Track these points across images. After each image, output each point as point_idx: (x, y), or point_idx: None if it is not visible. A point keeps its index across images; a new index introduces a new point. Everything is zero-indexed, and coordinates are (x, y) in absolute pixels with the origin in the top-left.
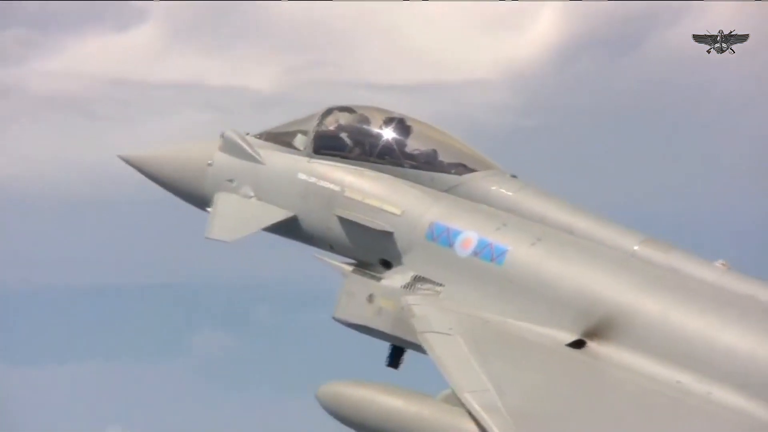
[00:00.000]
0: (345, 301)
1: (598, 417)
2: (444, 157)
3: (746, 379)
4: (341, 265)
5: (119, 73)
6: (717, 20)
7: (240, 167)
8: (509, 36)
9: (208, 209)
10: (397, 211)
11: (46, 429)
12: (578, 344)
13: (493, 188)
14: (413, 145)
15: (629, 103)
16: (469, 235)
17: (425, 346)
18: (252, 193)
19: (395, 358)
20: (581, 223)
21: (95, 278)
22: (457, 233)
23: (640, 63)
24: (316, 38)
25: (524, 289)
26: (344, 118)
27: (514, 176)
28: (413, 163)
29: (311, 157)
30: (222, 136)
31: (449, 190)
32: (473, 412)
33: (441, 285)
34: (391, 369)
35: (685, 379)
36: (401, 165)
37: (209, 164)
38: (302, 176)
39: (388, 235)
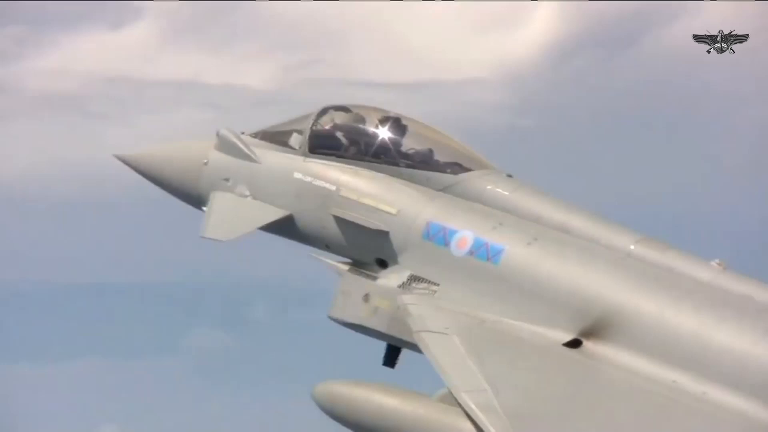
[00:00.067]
0: (341, 300)
1: (594, 416)
2: (440, 157)
3: (742, 378)
4: (337, 264)
5: (115, 70)
6: (713, 19)
7: (235, 166)
8: (505, 35)
9: (204, 208)
10: (393, 211)
11: (42, 427)
12: (574, 344)
13: (489, 187)
14: (409, 144)
15: (625, 102)
16: (465, 234)
17: (421, 346)
18: (248, 192)
19: (391, 357)
20: (577, 222)
21: (91, 276)
22: (453, 232)
23: (635, 62)
24: (313, 37)
25: (520, 289)
26: (340, 118)
27: (509, 176)
28: (409, 162)
29: (307, 156)
30: (217, 134)
31: (445, 189)
32: (470, 412)
33: (437, 284)
34: (387, 368)
35: (681, 378)
36: (397, 164)
37: (205, 163)
38: (298, 175)
39: (383, 235)
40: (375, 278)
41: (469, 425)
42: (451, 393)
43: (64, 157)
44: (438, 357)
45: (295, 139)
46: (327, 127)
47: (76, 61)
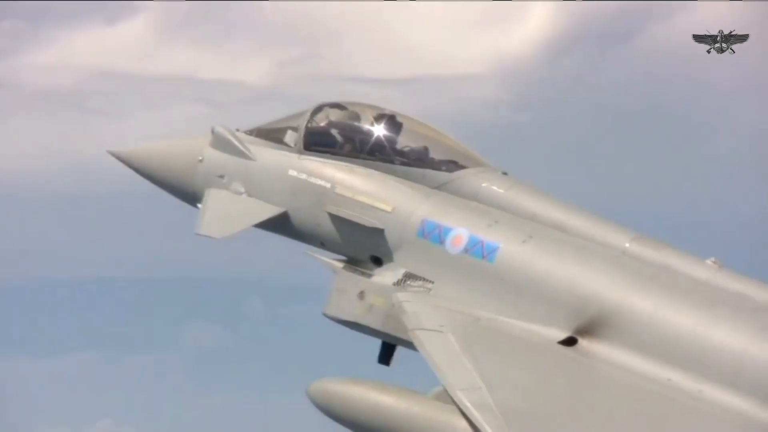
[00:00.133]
0: (336, 297)
1: (589, 415)
2: (435, 154)
3: (737, 377)
4: (332, 261)
5: (111, 66)
6: (709, 16)
7: (230, 163)
8: (501, 31)
9: (199, 205)
10: (388, 208)
11: (38, 422)
12: (570, 342)
13: (484, 185)
14: (404, 141)
15: (621, 98)
16: (460, 232)
17: (416, 344)
18: (242, 189)
19: (386, 354)
20: (573, 220)
21: (86, 271)
22: (448, 230)
23: (631, 58)
24: (308, 33)
25: (515, 287)
26: (335, 115)
27: (505, 173)
28: (404, 159)
29: (302, 153)
30: (212, 131)
31: (440, 187)
32: (465, 410)
33: (432, 282)
34: (382, 366)
35: (677, 376)
36: (392, 162)
37: (200, 160)
38: (293, 173)
39: (378, 232)
40: (370, 276)
41: (464, 423)
42: (446, 391)
43: (60, 153)
44: (433, 355)
45: (290, 137)
46: (322, 125)
47: (72, 57)
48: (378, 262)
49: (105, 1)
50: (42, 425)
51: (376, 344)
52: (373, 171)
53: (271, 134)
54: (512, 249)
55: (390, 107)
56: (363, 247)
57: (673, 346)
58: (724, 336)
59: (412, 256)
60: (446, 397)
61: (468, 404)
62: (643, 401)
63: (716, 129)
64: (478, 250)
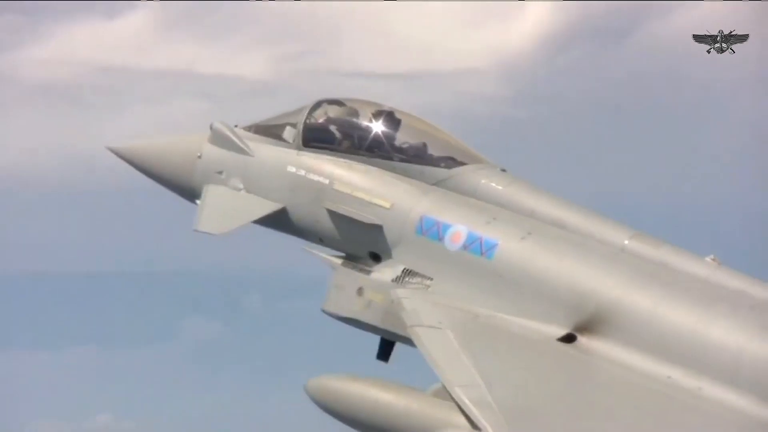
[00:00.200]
0: (334, 294)
1: (588, 412)
2: (433, 151)
3: (736, 374)
4: (331, 258)
5: (110, 60)
6: (709, 12)
7: (229, 159)
8: (500, 26)
9: (197, 201)
10: (387, 205)
11: (38, 416)
12: (569, 339)
13: (483, 182)
14: (403, 138)
15: (619, 95)
16: (459, 228)
17: (415, 340)
18: (241, 186)
19: (385, 351)
20: (571, 217)
21: (85, 266)
22: (446, 227)
23: (630, 53)
24: (307, 27)
25: (514, 284)
26: (333, 111)
27: (503, 170)
28: (403, 156)
29: (300, 149)
30: (211, 128)
31: (438, 183)
32: (464, 407)
33: (430, 279)
34: (380, 362)
35: (676, 374)
36: (390, 158)
37: (198, 156)
38: (291, 169)
39: (377, 229)
40: (369, 272)
41: (463, 420)
42: (445, 388)
43: (59, 147)
44: (432, 352)
45: (288, 133)
46: (320, 121)
47: (72, 52)
48: (377, 258)
49: (104, 1)
50: (41, 419)
51: (374, 341)
52: (371, 167)
53: (270, 130)
54: (511, 246)
55: (389, 103)
56: (362, 243)
57: (672, 344)
58: (723, 333)
59: (411, 253)
60: (445, 394)
61: (467, 401)
62: (642, 398)
63: (715, 126)
64: (476, 247)
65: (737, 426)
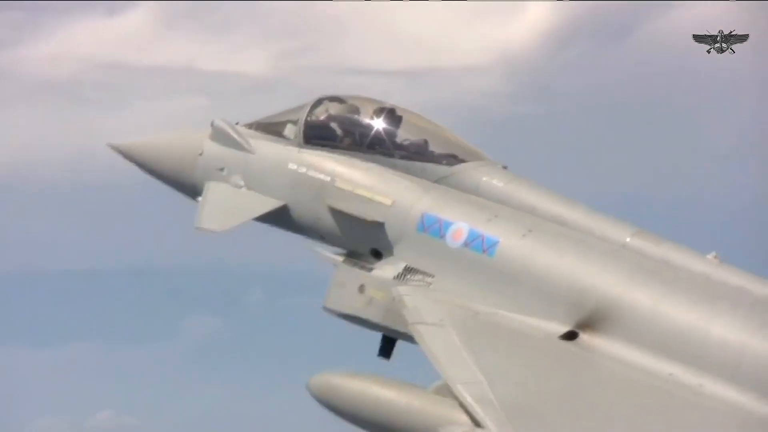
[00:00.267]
0: (335, 291)
1: (590, 409)
2: (435, 148)
3: (738, 371)
4: (332, 255)
5: (111, 57)
6: (709, 16)
7: (230, 156)
8: (502, 23)
9: (199, 199)
10: (388, 202)
11: (39, 414)
12: (570, 336)
13: (484, 179)
14: (404, 135)
15: (622, 91)
16: (460, 226)
17: (416, 337)
18: (242, 183)
19: (386, 348)
20: (572, 214)
21: (86, 263)
22: (448, 224)
23: (632, 50)
24: (308, 23)
25: (515, 281)
26: (335, 108)
27: (505, 167)
28: (404, 153)
29: (301, 147)
30: (212, 125)
31: (440, 180)
32: (465, 405)
33: (432, 276)
34: (382, 359)
35: (677, 371)
36: (392, 155)
37: (199, 154)
38: (292, 166)
39: (378, 226)
40: (370, 269)
41: (464, 417)
42: (446, 385)
43: (59, 144)
44: (433, 349)
45: (289, 130)
46: (322, 118)
47: (72, 48)
48: (378, 255)
49: (105, 1)
50: (42, 417)
51: (376, 338)
52: (372, 164)
53: (271, 127)
54: (512, 243)
55: (390, 99)
56: (363, 240)
57: (674, 341)
58: (725, 330)
59: (412, 250)
60: (447, 392)
61: (469, 398)
62: (643, 396)
63: (718, 123)
64: (478, 244)
65: (738, 423)
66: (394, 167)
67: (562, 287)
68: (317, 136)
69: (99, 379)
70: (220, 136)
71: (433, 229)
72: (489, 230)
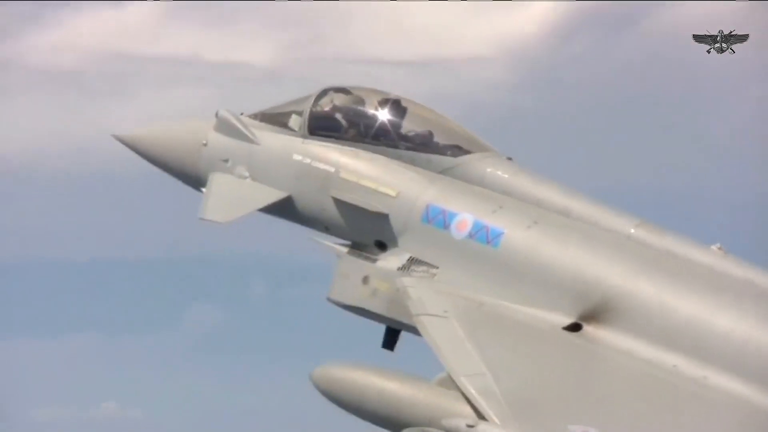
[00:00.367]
0: (340, 282)
1: (594, 401)
2: (440, 139)
3: (742, 363)
4: (336, 246)
5: (116, 47)
6: (709, 15)
7: (235, 147)
8: (507, 13)
9: (203, 189)
10: (393, 193)
11: (43, 405)
12: (574, 327)
13: (489, 170)
14: (409, 126)
15: (626, 82)
16: (465, 217)
17: (420, 329)
18: (247, 174)
19: (390, 339)
20: (577, 206)
21: (89, 253)
22: (452, 215)
23: (637, 40)
24: (314, 13)
25: (520, 272)
26: (340, 99)
27: (510, 158)
28: (409, 144)
29: (306, 137)
30: (217, 115)
31: (444, 171)
32: (469, 396)
33: (436, 267)
34: (386, 351)
35: (681, 363)
36: (397, 146)
37: (204, 144)
38: (297, 157)
39: (383, 217)
40: (374, 261)
41: (468, 409)
42: (450, 377)
43: (64, 133)
44: (437, 340)
45: (294, 121)
46: (326, 109)
47: (78, 38)
48: (382, 246)
49: None
50: (46, 407)
51: (380, 329)
52: (377, 156)
53: (276, 118)
54: (517, 234)
55: (395, 91)
56: (367, 231)
57: (678, 332)
58: (729, 322)
59: (417, 241)
60: (450, 383)
61: (472, 390)
62: (648, 387)
63: (725, 113)
64: (482, 236)
65: (742, 414)
66: (399, 158)
67: (566, 279)
68: (322, 127)
69: (103, 370)
70: (224, 126)
71: (437, 220)
72: (494, 221)
